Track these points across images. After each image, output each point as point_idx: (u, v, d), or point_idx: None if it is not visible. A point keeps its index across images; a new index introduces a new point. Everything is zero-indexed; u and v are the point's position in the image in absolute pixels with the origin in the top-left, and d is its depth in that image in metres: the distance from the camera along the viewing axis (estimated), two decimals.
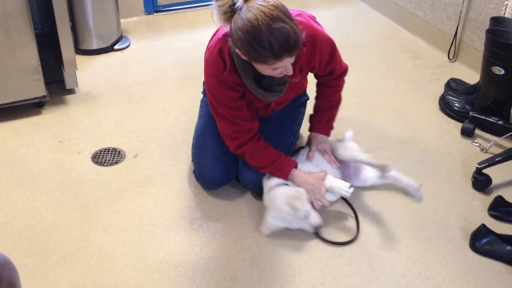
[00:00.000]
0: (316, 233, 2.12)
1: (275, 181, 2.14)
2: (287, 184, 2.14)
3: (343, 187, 2.09)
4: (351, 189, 2.09)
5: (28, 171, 2.42)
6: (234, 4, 1.77)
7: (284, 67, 1.85)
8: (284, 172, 2.13)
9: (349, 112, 2.32)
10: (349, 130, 2.46)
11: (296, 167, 2.16)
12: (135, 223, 2.16)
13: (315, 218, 2.06)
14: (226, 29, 1.87)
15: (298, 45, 1.80)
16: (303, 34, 1.83)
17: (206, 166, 2.26)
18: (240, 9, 1.77)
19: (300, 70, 2.09)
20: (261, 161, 2.15)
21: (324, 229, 2.13)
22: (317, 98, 2.33)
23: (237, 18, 1.77)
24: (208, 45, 2.06)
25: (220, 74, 1.98)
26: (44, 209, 2.22)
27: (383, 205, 2.27)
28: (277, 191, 2.10)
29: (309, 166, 2.22)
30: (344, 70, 2.23)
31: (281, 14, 1.75)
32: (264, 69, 1.87)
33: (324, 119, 2.31)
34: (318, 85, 2.31)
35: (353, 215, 2.21)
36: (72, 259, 2.00)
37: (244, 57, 1.86)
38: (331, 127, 2.34)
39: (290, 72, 1.91)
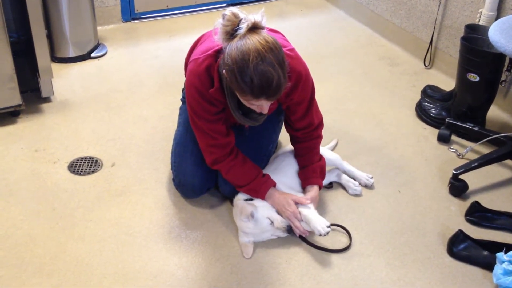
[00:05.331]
0: (307, 241, 2.12)
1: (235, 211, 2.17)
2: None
3: (319, 226, 2.01)
4: (328, 229, 2.01)
5: (3, 181, 2.38)
6: (237, 29, 1.77)
7: (259, 105, 1.86)
8: (260, 194, 2.12)
9: (327, 118, 2.32)
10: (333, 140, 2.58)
11: (275, 186, 2.15)
12: (113, 233, 2.14)
13: (280, 223, 2.06)
14: (223, 47, 1.85)
15: (278, 93, 1.79)
16: (288, 84, 1.84)
17: (186, 174, 2.25)
18: (240, 37, 1.76)
19: (278, 99, 2.05)
20: (237, 180, 2.15)
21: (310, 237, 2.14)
22: (298, 156, 2.27)
23: (233, 44, 1.76)
24: (193, 55, 2.03)
25: (204, 90, 1.97)
26: (20, 219, 2.19)
27: (360, 211, 2.29)
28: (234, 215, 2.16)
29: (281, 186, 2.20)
30: (321, 120, 2.21)
31: (273, 59, 1.75)
32: (242, 99, 1.87)
33: (317, 171, 2.22)
34: (297, 143, 2.25)
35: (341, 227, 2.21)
36: (48, 270, 1.97)
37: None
38: (324, 176, 2.27)
39: (265, 111, 1.93)
